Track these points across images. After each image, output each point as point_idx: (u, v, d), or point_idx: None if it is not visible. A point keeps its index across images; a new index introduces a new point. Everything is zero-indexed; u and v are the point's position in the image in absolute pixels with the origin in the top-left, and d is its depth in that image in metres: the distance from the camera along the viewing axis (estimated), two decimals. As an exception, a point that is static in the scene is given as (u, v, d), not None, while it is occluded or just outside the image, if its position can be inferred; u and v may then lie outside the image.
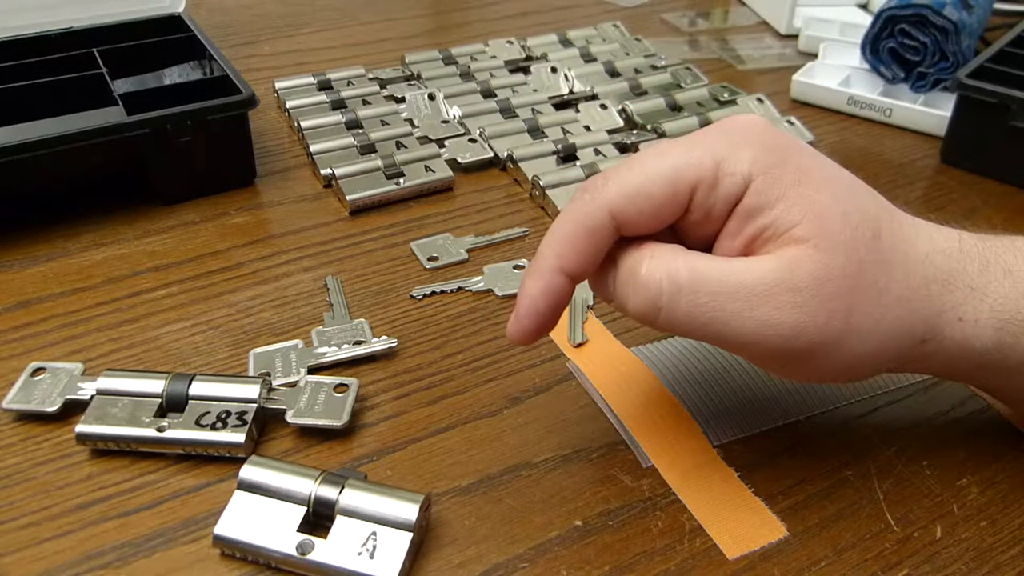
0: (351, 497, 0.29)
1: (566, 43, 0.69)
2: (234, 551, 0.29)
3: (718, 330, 0.27)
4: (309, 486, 0.30)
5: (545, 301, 0.28)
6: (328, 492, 0.29)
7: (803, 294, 0.26)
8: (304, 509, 0.29)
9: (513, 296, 0.42)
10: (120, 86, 0.51)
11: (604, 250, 0.28)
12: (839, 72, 0.64)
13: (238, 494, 0.30)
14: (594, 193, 0.28)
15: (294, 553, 0.29)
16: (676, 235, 0.30)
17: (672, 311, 0.27)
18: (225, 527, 0.29)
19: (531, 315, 0.29)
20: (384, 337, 0.39)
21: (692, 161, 0.27)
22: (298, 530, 0.29)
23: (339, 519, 0.29)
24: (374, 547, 0.29)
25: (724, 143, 0.28)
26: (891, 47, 0.61)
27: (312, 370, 0.37)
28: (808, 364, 0.28)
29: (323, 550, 0.29)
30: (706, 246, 0.29)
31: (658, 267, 0.27)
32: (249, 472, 0.30)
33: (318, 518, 0.30)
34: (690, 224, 0.29)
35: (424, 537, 0.30)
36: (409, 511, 0.29)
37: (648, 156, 0.28)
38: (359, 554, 0.28)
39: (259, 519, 0.29)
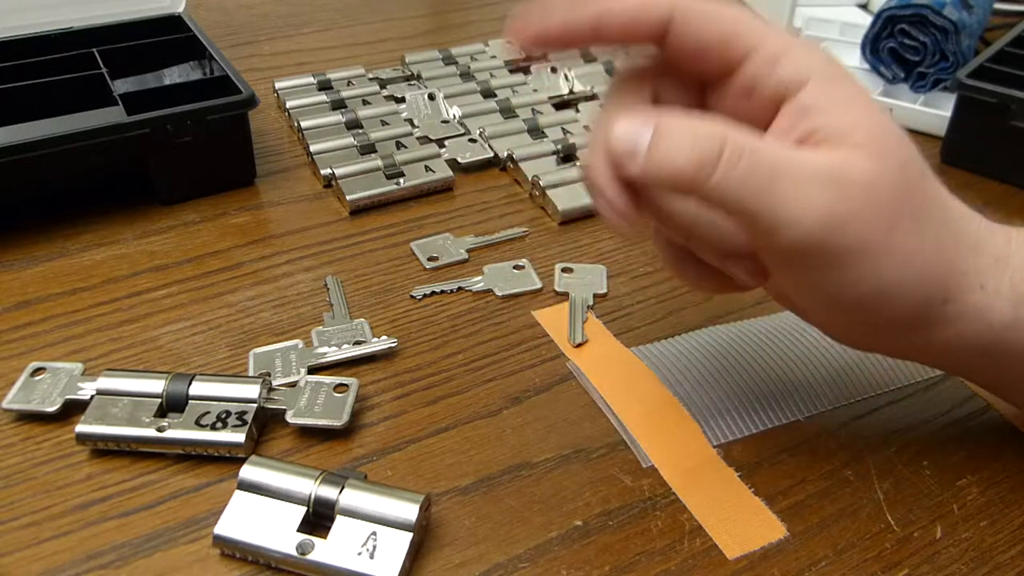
0: (351, 497, 0.29)
1: (566, 43, 0.69)
2: (234, 551, 0.29)
3: (763, 205, 0.25)
4: (309, 486, 0.30)
5: (566, 19, 0.28)
6: (328, 492, 0.29)
7: (855, 189, 0.26)
8: (304, 509, 0.29)
9: (514, 296, 0.42)
10: (120, 86, 0.51)
11: (639, 36, 0.27)
12: (839, 72, 0.64)
13: (238, 494, 0.30)
14: None
15: (294, 553, 0.29)
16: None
17: (726, 174, 0.25)
18: (225, 527, 0.29)
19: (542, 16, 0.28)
20: (384, 337, 0.39)
21: (765, 28, 0.27)
22: (298, 530, 0.29)
23: (339, 519, 0.29)
24: (374, 547, 0.29)
25: (798, 41, 0.28)
26: (891, 47, 0.61)
27: (312, 370, 0.37)
28: (838, 271, 0.27)
29: (323, 550, 0.29)
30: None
31: (719, 131, 0.26)
32: (249, 472, 0.30)
33: (318, 518, 0.30)
34: (729, 99, 0.28)
35: (424, 537, 0.30)
36: (409, 511, 0.29)
37: (731, 4, 0.28)
38: (359, 554, 0.28)
39: (259, 519, 0.29)
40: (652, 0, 0.27)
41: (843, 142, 0.26)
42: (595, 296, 0.42)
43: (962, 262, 0.28)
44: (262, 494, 0.30)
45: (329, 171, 0.50)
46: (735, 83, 0.28)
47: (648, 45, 0.28)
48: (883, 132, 0.27)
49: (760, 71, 0.27)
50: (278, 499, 0.30)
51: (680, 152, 0.25)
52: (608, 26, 0.28)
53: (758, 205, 0.25)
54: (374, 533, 0.29)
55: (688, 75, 0.29)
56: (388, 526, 0.29)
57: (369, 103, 0.58)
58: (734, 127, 0.26)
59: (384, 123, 0.55)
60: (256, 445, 0.34)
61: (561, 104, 0.60)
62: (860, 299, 0.27)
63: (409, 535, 0.29)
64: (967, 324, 0.29)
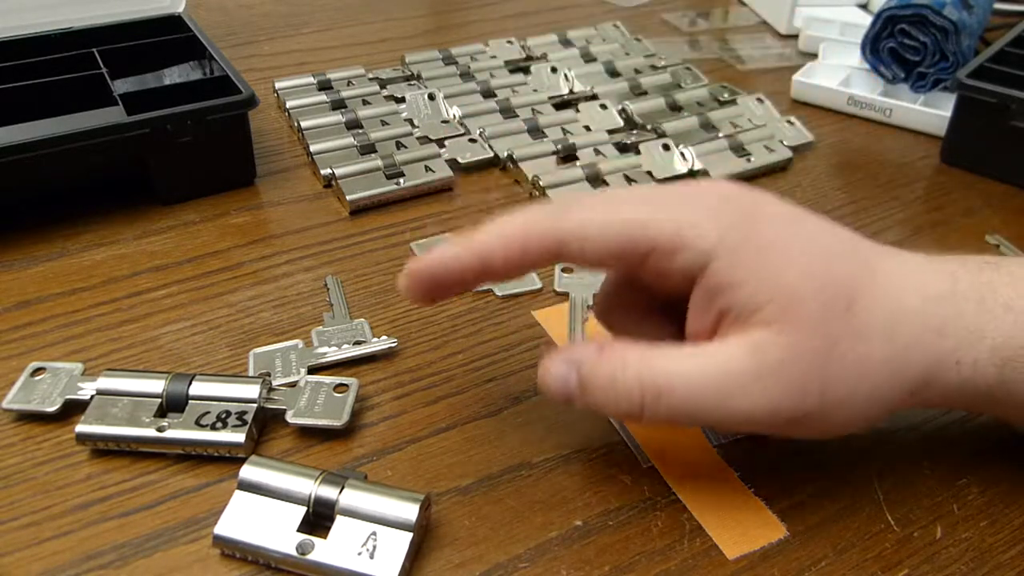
0: (351, 497, 0.29)
1: (566, 43, 0.69)
2: (234, 551, 0.29)
3: (702, 421, 0.28)
4: (309, 486, 0.30)
5: (449, 270, 0.30)
6: (328, 492, 0.29)
7: (772, 379, 0.27)
8: (304, 509, 0.29)
9: (514, 296, 0.42)
10: (120, 86, 0.51)
11: (534, 266, 0.29)
12: (839, 72, 0.64)
13: (238, 494, 0.30)
14: (555, 215, 0.29)
15: (294, 553, 0.29)
16: (642, 286, 0.30)
17: (654, 413, 0.28)
18: (225, 527, 0.29)
19: (426, 274, 0.30)
20: (384, 337, 0.39)
21: (653, 226, 0.28)
22: (298, 530, 0.29)
23: (339, 519, 0.29)
24: (374, 547, 0.29)
25: (689, 212, 0.28)
26: (891, 47, 0.61)
27: (312, 370, 0.37)
28: (799, 431, 0.28)
29: (323, 550, 0.29)
30: (672, 301, 0.30)
31: (632, 377, 0.28)
32: (249, 472, 0.30)
33: (318, 518, 0.30)
34: (650, 281, 0.29)
35: (424, 537, 0.30)
36: (409, 511, 0.29)
37: (615, 203, 0.29)
38: (359, 554, 0.28)
39: (259, 519, 0.29)
40: (539, 241, 0.29)
41: (755, 321, 0.27)
42: (595, 296, 0.42)
43: (929, 352, 0.28)
44: (262, 494, 0.30)
45: (329, 171, 0.50)
46: (646, 275, 0.29)
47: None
48: (792, 293, 0.27)
49: (660, 265, 0.28)
50: (278, 499, 0.30)
51: (607, 402, 0.28)
52: (499, 264, 0.29)
53: (699, 421, 0.29)
54: (374, 533, 0.29)
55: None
56: (388, 526, 0.29)
57: (369, 103, 0.58)
58: (653, 360, 0.28)
59: (384, 123, 0.55)
60: (256, 445, 0.34)
61: (561, 104, 0.60)
62: (833, 433, 0.29)
63: (409, 535, 0.29)
64: (949, 396, 0.29)
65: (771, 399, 0.27)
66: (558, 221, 0.29)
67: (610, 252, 0.28)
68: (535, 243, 0.29)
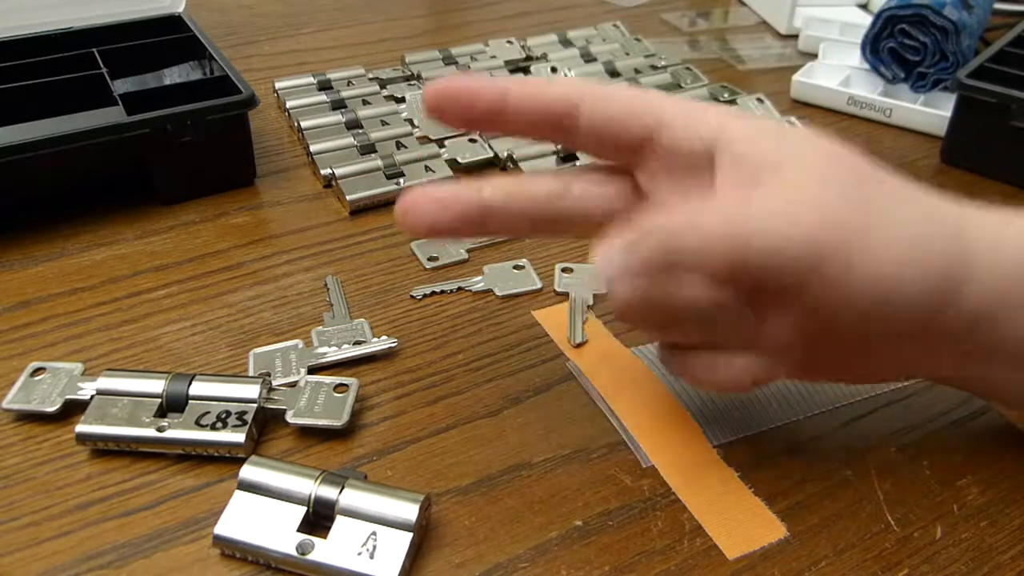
0: (351, 497, 0.29)
1: (566, 43, 0.69)
2: (234, 551, 0.29)
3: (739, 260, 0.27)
4: (309, 486, 0.30)
5: (469, 89, 0.30)
6: (328, 492, 0.29)
7: (814, 205, 0.27)
8: (304, 509, 0.29)
9: (514, 296, 0.42)
10: (120, 86, 0.51)
11: (546, 118, 0.30)
12: (839, 72, 0.64)
13: (238, 494, 0.30)
14: (573, 82, 0.30)
15: (294, 553, 0.29)
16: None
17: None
18: (225, 527, 0.29)
19: (449, 89, 0.30)
20: (384, 337, 0.39)
21: (662, 99, 0.29)
22: (298, 530, 0.29)
23: (339, 519, 0.29)
24: (374, 547, 0.29)
25: (694, 103, 0.29)
26: (891, 47, 0.61)
27: (312, 370, 0.37)
28: (832, 275, 0.26)
29: (323, 550, 0.29)
30: None
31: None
32: (249, 472, 0.30)
33: (318, 518, 0.30)
34: (663, 180, 0.30)
35: (424, 537, 0.30)
36: (409, 511, 0.29)
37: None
38: (359, 554, 0.28)
39: (259, 519, 0.29)
40: (554, 87, 0.30)
41: (780, 173, 0.27)
42: (595, 296, 0.42)
43: (955, 223, 0.29)
44: (262, 494, 0.30)
45: (329, 171, 0.50)
46: (660, 158, 0.29)
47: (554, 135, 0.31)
48: (817, 153, 0.28)
49: (676, 135, 0.28)
50: (278, 499, 0.30)
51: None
52: (516, 100, 0.29)
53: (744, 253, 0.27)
54: (374, 533, 0.29)
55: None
56: (388, 526, 0.29)
57: (369, 103, 0.58)
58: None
59: (384, 123, 0.55)
60: (256, 445, 0.34)
61: (561, 104, 0.60)
62: (863, 297, 0.27)
63: (409, 535, 0.29)
64: (965, 317, 0.28)
65: (807, 223, 0.26)
66: (576, 84, 0.30)
67: (619, 113, 0.29)
68: (553, 92, 0.29)
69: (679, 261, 0.27)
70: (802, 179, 0.27)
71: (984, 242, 0.28)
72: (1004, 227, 0.29)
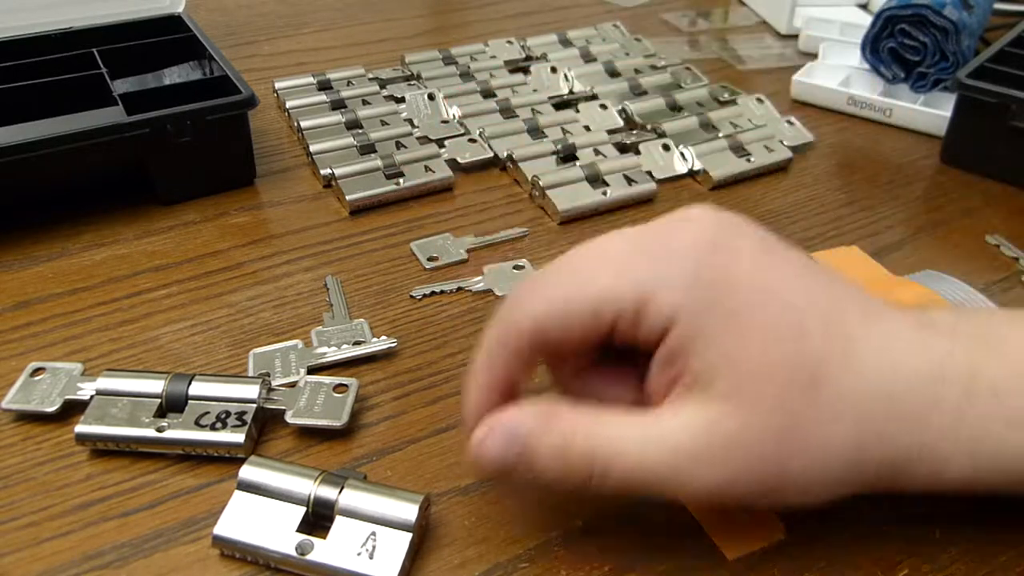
0: (350, 497, 0.29)
1: (566, 43, 0.69)
2: (234, 551, 0.29)
3: (655, 493, 0.26)
4: (309, 486, 0.30)
5: (488, 411, 0.28)
6: (328, 492, 0.29)
7: (726, 458, 0.25)
8: (303, 509, 0.29)
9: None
10: (120, 86, 0.51)
11: (531, 363, 0.28)
12: (839, 72, 0.64)
13: (237, 494, 0.30)
14: (517, 312, 0.27)
15: (293, 553, 0.28)
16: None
17: (602, 485, 0.26)
18: (225, 527, 0.29)
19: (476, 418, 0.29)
20: (384, 337, 0.39)
21: (615, 294, 0.26)
22: (297, 530, 0.29)
23: (338, 519, 0.29)
24: (373, 547, 0.29)
25: (653, 274, 0.26)
26: (891, 47, 0.61)
27: (312, 370, 0.37)
28: (757, 505, 0.27)
29: (322, 550, 0.29)
30: (628, 352, 0.28)
31: (582, 449, 0.26)
32: (249, 472, 0.30)
33: (317, 518, 0.30)
34: (616, 338, 0.28)
35: (424, 537, 0.30)
36: (408, 511, 0.29)
37: (576, 272, 0.27)
38: (358, 554, 0.28)
39: (258, 519, 0.29)
40: (518, 349, 0.28)
41: (712, 394, 0.25)
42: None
43: (900, 440, 0.26)
44: (261, 494, 0.30)
45: (329, 171, 0.50)
46: (617, 340, 0.27)
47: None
48: (751, 368, 0.25)
49: (629, 332, 0.27)
50: (277, 499, 0.30)
51: (554, 477, 0.27)
52: (511, 390, 0.28)
53: (650, 493, 0.26)
54: (373, 533, 0.29)
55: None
56: (387, 526, 0.29)
57: (369, 103, 0.58)
58: (604, 426, 0.26)
59: (384, 123, 0.55)
60: (256, 445, 0.34)
61: (561, 104, 0.60)
62: (793, 505, 0.27)
63: (409, 535, 0.29)
64: (926, 484, 0.27)
65: (725, 477, 0.25)
66: (520, 317, 0.27)
67: (580, 331, 0.27)
68: (520, 347, 0.27)
69: (538, 476, 0.27)
70: (725, 413, 0.25)
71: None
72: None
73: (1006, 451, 0.27)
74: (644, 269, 0.26)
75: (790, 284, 0.27)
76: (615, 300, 0.26)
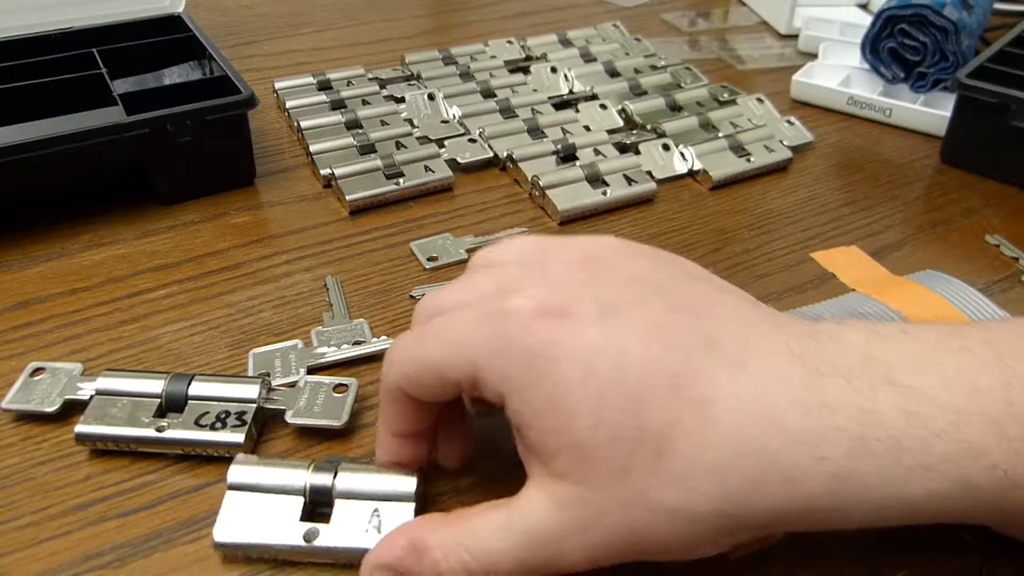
0: (347, 480, 0.29)
1: (566, 43, 0.69)
2: (237, 552, 0.29)
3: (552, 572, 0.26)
4: (303, 476, 0.30)
5: (402, 459, 0.30)
6: (323, 479, 0.29)
7: (582, 536, 0.25)
8: (301, 500, 0.29)
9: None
10: (120, 86, 0.51)
11: (421, 410, 0.29)
12: (839, 72, 0.64)
13: (230, 495, 0.30)
14: (388, 370, 0.28)
15: (302, 542, 0.28)
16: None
17: None
18: (224, 531, 0.29)
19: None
20: (384, 337, 0.39)
21: (452, 365, 0.26)
22: (300, 520, 0.29)
23: (339, 503, 0.29)
24: (380, 521, 0.29)
25: (486, 347, 0.25)
26: (891, 47, 0.61)
27: (312, 370, 0.37)
28: (660, 559, 0.26)
29: (329, 534, 0.29)
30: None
31: (456, 566, 0.25)
32: (237, 473, 0.30)
33: (315, 506, 0.30)
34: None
35: (425, 507, 0.30)
36: (407, 483, 0.29)
37: (431, 337, 0.27)
38: (366, 531, 0.28)
39: (258, 517, 0.29)
40: (399, 400, 0.28)
41: (550, 468, 0.25)
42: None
43: (773, 497, 0.24)
44: (255, 492, 0.30)
45: (329, 171, 0.50)
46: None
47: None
48: (584, 443, 0.24)
49: (476, 394, 0.27)
50: (273, 494, 0.30)
51: None
52: (416, 435, 0.29)
53: (541, 572, 0.25)
54: (376, 510, 0.29)
55: None
56: (389, 500, 0.29)
57: (369, 103, 0.58)
58: (466, 536, 0.26)
59: (384, 123, 0.55)
60: (255, 445, 0.34)
61: (561, 104, 0.60)
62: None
63: (412, 504, 0.29)
64: (813, 527, 0.26)
65: (595, 547, 0.25)
66: (389, 375, 0.28)
67: (443, 392, 0.27)
68: (400, 397, 0.28)
69: None
70: (568, 492, 0.25)
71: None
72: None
73: (909, 495, 0.24)
74: (478, 340, 0.26)
75: (632, 349, 0.24)
76: (453, 370, 0.26)
